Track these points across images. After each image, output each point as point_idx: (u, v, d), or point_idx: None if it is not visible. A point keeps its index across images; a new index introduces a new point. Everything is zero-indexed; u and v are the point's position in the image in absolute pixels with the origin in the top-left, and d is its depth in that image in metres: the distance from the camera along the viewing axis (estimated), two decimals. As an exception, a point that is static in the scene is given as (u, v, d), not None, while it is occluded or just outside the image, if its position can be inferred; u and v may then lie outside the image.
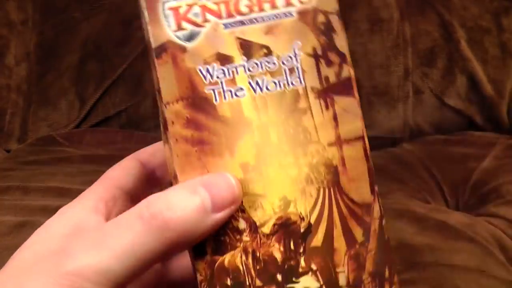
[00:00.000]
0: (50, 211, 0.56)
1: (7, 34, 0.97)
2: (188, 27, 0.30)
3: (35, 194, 0.65)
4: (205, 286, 0.29)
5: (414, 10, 0.93)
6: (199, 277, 0.29)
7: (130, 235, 0.26)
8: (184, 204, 0.27)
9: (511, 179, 0.65)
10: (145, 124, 0.93)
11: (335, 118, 0.30)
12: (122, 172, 0.32)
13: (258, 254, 0.30)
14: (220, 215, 0.27)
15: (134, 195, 0.32)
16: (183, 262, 0.34)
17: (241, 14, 0.30)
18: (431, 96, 0.91)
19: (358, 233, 0.30)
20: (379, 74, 0.91)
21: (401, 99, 0.91)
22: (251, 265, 0.29)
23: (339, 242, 0.30)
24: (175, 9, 0.30)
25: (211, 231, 0.28)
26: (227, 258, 0.29)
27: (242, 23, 0.30)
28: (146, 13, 0.29)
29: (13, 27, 0.98)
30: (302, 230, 0.30)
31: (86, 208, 0.30)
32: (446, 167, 0.73)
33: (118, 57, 0.94)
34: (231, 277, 0.29)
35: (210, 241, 0.29)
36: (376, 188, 0.31)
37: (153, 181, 0.33)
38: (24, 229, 0.52)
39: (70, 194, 0.63)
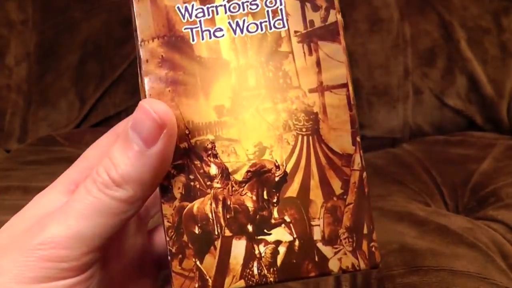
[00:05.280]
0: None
1: (7, 34, 0.97)
2: None
3: (35, 194, 0.65)
4: (172, 233, 0.28)
5: (414, 10, 0.93)
6: (166, 224, 0.28)
7: (90, 198, 0.27)
8: (123, 157, 0.27)
9: (510, 181, 0.66)
10: (145, 124, 0.92)
11: (318, 63, 0.29)
12: (99, 150, 0.32)
13: (229, 203, 0.28)
14: (157, 147, 0.27)
15: None
16: None
17: None
18: (431, 96, 0.91)
19: (336, 185, 0.29)
20: (379, 74, 0.91)
21: (401, 99, 0.91)
22: (220, 214, 0.28)
23: (316, 194, 0.29)
24: None
25: (159, 164, 0.27)
26: (196, 205, 0.28)
27: None
28: None
29: (13, 27, 0.97)
30: (276, 179, 0.29)
31: (58, 193, 0.30)
32: (445, 169, 0.73)
33: (118, 57, 0.94)
34: (199, 225, 0.28)
35: (180, 186, 0.28)
36: (358, 138, 0.29)
37: None
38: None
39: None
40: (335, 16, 0.29)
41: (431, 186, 0.70)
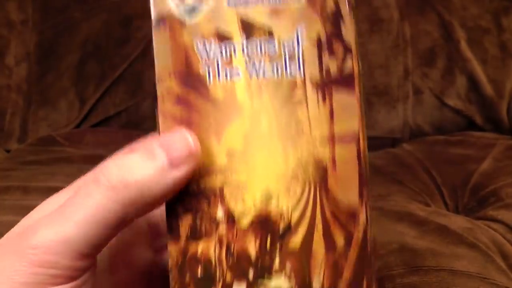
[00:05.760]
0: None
1: (7, 34, 0.97)
2: (191, 1, 0.28)
3: (35, 194, 0.65)
4: (175, 272, 0.28)
5: (414, 10, 0.93)
6: (171, 262, 0.28)
7: (89, 202, 0.26)
8: (142, 167, 0.26)
9: (510, 181, 0.66)
10: (145, 124, 0.93)
11: (331, 113, 0.28)
12: None
13: (232, 248, 0.28)
14: (180, 172, 0.26)
15: None
16: None
17: None
18: (431, 96, 0.91)
19: (339, 238, 0.28)
20: (379, 74, 0.91)
21: (401, 99, 0.91)
22: (223, 258, 0.28)
23: (318, 246, 0.28)
24: None
25: (172, 190, 0.27)
26: (200, 247, 0.28)
27: (246, 1, 0.28)
28: None
29: (13, 27, 0.98)
30: (281, 229, 0.28)
31: (67, 195, 0.29)
32: (445, 169, 0.73)
33: (118, 57, 0.94)
34: (202, 267, 0.28)
35: (186, 226, 0.28)
36: (365, 193, 0.29)
37: None
38: (24, 230, 0.52)
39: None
40: (351, 64, 0.29)
41: (431, 186, 0.70)
